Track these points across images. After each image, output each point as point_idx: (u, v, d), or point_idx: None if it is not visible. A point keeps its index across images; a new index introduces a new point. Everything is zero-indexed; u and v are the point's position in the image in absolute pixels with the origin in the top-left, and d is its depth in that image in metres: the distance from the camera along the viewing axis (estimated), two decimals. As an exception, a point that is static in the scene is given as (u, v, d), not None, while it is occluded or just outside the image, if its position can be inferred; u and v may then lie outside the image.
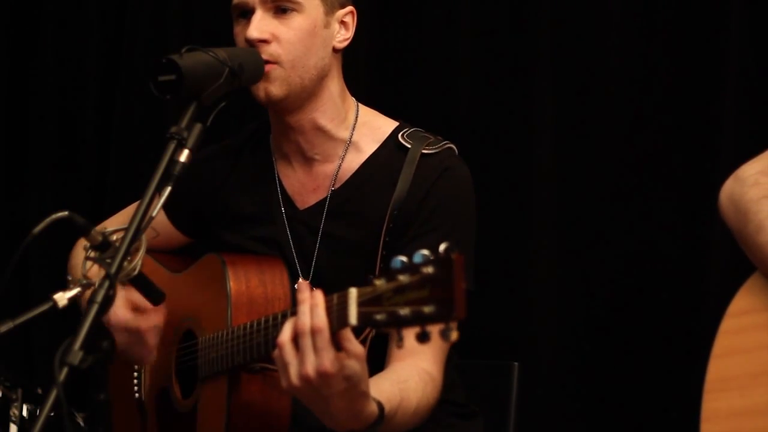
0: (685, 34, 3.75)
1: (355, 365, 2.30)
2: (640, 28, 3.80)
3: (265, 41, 2.81)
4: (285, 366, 2.33)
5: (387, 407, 2.46)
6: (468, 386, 3.04)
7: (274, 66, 2.81)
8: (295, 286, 2.85)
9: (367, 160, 2.92)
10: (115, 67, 4.40)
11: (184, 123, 2.43)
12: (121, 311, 2.82)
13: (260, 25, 2.82)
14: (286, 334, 2.33)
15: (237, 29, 2.88)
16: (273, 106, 2.88)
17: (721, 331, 2.73)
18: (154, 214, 2.32)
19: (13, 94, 4.51)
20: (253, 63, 2.74)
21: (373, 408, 2.41)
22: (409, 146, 2.88)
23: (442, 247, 2.07)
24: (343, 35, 2.91)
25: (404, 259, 2.12)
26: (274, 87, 2.82)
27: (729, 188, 2.82)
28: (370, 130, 2.95)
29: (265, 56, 2.80)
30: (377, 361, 2.67)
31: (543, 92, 3.88)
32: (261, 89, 2.82)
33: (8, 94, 4.51)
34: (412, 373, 2.66)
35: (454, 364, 2.96)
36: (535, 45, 3.90)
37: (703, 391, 2.70)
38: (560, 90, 3.87)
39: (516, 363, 3.38)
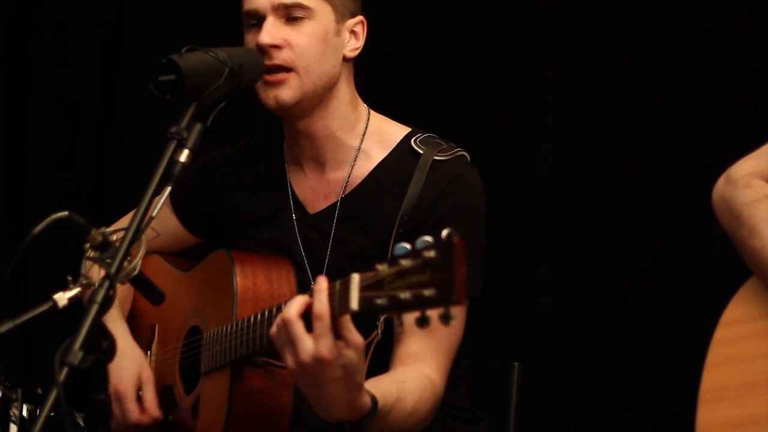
0: (686, 34, 3.75)
1: (353, 355, 2.30)
2: (641, 29, 3.80)
3: (277, 47, 2.81)
4: (282, 347, 2.34)
5: (381, 402, 2.45)
6: (468, 387, 3.04)
7: (290, 74, 2.81)
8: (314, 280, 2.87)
9: (377, 166, 2.91)
10: (115, 67, 4.40)
11: (184, 123, 2.43)
12: (131, 388, 2.89)
13: (272, 31, 2.82)
14: (288, 313, 2.33)
15: (248, 37, 2.87)
16: (283, 113, 2.88)
17: (714, 341, 2.73)
18: (154, 214, 2.32)
19: (13, 94, 4.51)
20: (253, 63, 2.73)
21: (367, 400, 2.40)
22: (421, 152, 2.86)
23: (444, 232, 2.07)
24: (353, 45, 2.91)
25: (407, 245, 2.12)
26: (287, 93, 2.81)
27: (721, 190, 2.83)
28: (381, 137, 2.93)
29: (278, 62, 2.80)
30: (381, 367, 2.68)
31: (543, 92, 3.88)
32: (270, 97, 2.82)
33: (8, 95, 4.51)
34: (413, 376, 2.66)
35: (461, 368, 2.95)
36: (536, 45, 3.90)
37: (698, 402, 2.70)
38: (561, 90, 3.87)
39: (516, 363, 3.38)
